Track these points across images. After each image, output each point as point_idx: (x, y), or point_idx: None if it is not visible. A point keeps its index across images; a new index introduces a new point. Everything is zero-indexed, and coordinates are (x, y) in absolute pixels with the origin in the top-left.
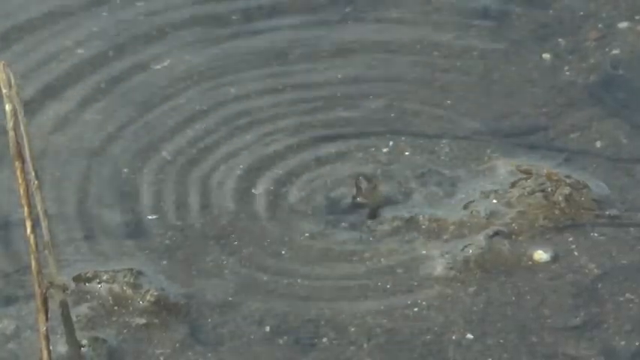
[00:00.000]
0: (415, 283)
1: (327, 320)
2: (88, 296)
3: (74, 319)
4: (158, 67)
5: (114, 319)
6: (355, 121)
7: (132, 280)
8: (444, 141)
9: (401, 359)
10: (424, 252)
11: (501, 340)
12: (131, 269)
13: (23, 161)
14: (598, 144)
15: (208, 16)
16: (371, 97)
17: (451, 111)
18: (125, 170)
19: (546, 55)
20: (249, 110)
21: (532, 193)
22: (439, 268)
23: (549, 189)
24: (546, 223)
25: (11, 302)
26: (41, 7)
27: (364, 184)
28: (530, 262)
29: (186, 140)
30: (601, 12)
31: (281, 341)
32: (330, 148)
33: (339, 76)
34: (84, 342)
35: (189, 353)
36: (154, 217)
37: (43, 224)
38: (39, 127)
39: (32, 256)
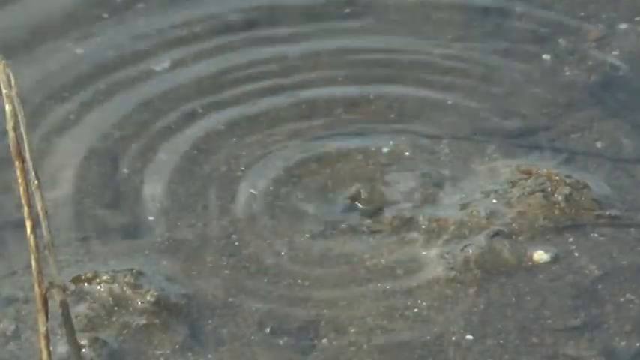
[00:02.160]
0: (415, 284)
1: (327, 321)
2: (88, 296)
3: (74, 319)
4: (158, 68)
5: (114, 319)
6: (355, 121)
7: (132, 281)
8: (444, 141)
9: None
10: (424, 252)
11: (501, 341)
12: (131, 269)
13: (23, 161)
14: (598, 144)
15: (209, 17)
16: (371, 97)
17: (451, 111)
18: (125, 170)
19: (546, 56)
20: (248, 111)
21: (532, 193)
22: (439, 268)
23: (549, 189)
24: (546, 223)
25: (11, 302)
26: (42, 9)
27: (364, 187)
28: (530, 263)
29: (186, 141)
30: (601, 13)
31: (281, 342)
32: (330, 148)
33: (340, 76)
34: (84, 342)
35: (190, 354)
36: (154, 217)
37: (43, 224)
38: (39, 127)
39: (32, 256)
